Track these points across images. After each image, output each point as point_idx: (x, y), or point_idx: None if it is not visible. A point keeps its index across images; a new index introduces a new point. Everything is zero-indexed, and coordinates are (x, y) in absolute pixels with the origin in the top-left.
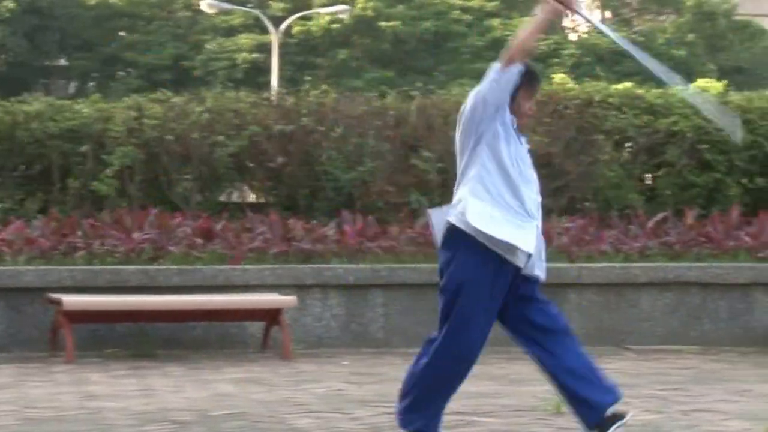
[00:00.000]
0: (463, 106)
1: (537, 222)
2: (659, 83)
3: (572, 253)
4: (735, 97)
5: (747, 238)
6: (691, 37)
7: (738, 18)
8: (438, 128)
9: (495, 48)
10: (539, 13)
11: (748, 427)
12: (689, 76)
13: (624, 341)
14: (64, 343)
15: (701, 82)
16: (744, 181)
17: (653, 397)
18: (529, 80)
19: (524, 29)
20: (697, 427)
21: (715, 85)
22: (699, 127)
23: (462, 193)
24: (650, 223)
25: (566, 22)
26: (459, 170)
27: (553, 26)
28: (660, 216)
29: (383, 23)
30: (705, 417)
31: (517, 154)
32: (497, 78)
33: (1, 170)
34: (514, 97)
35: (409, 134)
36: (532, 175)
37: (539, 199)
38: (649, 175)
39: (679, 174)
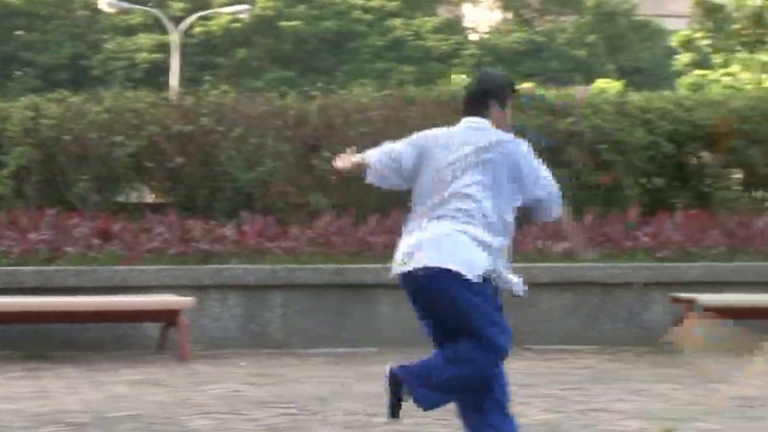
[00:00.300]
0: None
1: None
2: (560, 83)
3: None
4: (634, 97)
5: (645, 238)
6: (591, 37)
7: (638, 18)
8: (339, 128)
9: (396, 48)
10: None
11: (645, 426)
12: (589, 76)
13: (524, 341)
14: None
15: (601, 82)
16: (642, 181)
17: (552, 396)
18: (514, 93)
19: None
20: (595, 427)
21: (614, 85)
22: (598, 128)
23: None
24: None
25: (467, 22)
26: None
27: (453, 26)
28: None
29: (284, 23)
30: (602, 416)
31: None
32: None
33: None
34: (504, 109)
35: (309, 134)
36: None
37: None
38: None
39: (578, 174)
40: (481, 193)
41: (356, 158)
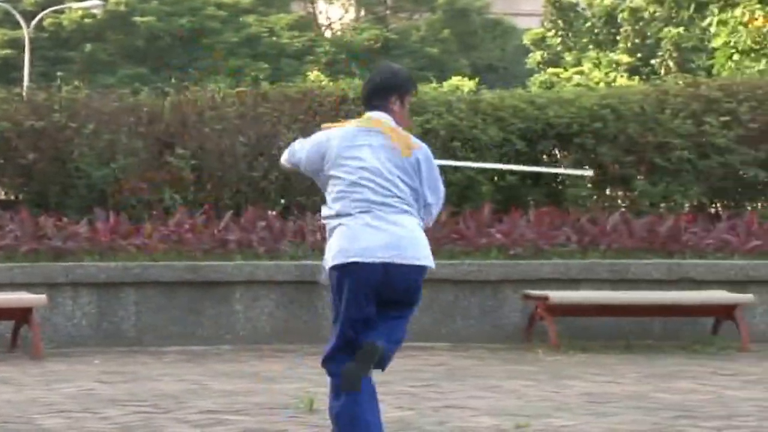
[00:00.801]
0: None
1: None
2: (418, 80)
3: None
4: (487, 95)
5: (498, 236)
6: (445, 33)
7: (490, 16)
8: (192, 125)
9: (250, 45)
10: None
11: (497, 423)
12: (443, 74)
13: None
14: None
15: (455, 79)
16: (495, 178)
17: (405, 393)
18: (415, 90)
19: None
20: (448, 423)
21: (467, 83)
22: (452, 125)
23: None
24: None
25: (321, 20)
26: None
27: (308, 23)
28: None
29: (137, 19)
30: (455, 413)
31: None
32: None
33: None
34: (404, 106)
35: (162, 131)
36: None
37: None
38: None
39: None
40: (413, 195)
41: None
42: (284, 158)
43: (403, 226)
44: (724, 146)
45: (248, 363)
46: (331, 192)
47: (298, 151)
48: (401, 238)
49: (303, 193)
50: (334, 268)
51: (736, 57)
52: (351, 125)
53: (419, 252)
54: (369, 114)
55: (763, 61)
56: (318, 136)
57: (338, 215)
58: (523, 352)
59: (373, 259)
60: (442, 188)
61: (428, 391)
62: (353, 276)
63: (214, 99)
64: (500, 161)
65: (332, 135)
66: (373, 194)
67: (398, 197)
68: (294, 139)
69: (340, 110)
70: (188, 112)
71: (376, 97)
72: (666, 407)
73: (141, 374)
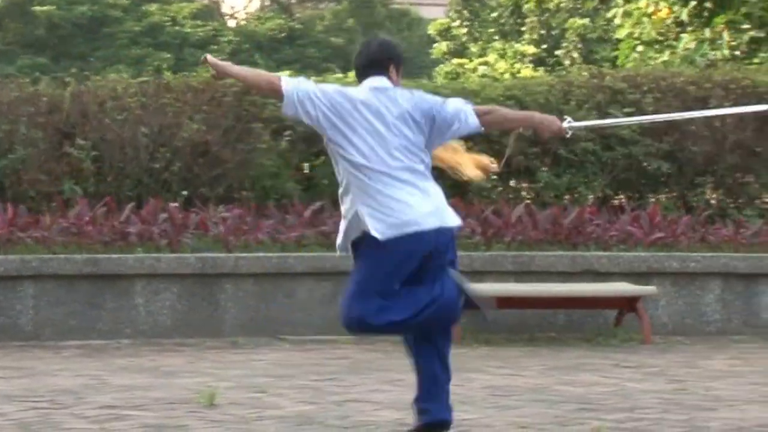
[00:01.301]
0: (429, 104)
1: None
2: (318, 71)
3: (229, 243)
4: None
5: None
6: (350, 23)
7: (396, 6)
8: (93, 115)
9: (152, 34)
10: (534, 116)
11: (399, 417)
12: (348, 64)
13: (279, 331)
14: None
15: None
16: None
17: (307, 387)
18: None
19: (514, 117)
20: (350, 418)
21: None
22: None
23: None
24: (307, 213)
25: (225, 8)
26: (398, 163)
27: (211, 12)
28: (317, 205)
29: (36, 8)
30: (357, 407)
31: None
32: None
33: None
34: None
35: (62, 121)
36: None
37: None
38: (307, 164)
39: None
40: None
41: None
42: None
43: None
44: (628, 138)
45: (148, 357)
46: None
47: None
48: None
49: (205, 185)
50: None
51: (640, 48)
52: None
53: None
54: (371, 80)
55: (667, 52)
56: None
57: None
58: None
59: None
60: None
61: (331, 384)
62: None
63: (115, 89)
64: None
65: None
66: None
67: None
68: (198, 131)
69: (244, 101)
70: (89, 102)
71: (376, 65)
72: (568, 400)
73: (38, 369)
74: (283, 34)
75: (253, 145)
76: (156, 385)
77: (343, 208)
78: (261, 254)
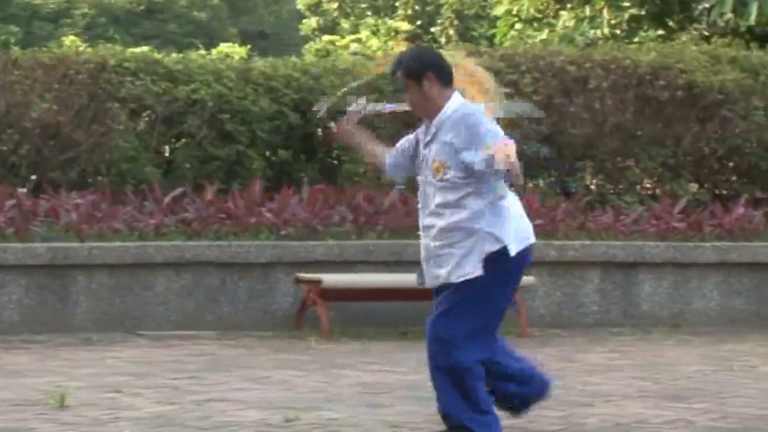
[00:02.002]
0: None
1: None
2: (179, 47)
3: (82, 232)
4: (259, 63)
5: (269, 215)
6: None
7: None
8: None
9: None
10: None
11: (265, 417)
12: (212, 41)
13: (137, 327)
14: None
15: (224, 46)
16: (267, 153)
17: (165, 386)
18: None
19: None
20: (211, 418)
21: (237, 50)
22: (220, 96)
23: None
24: (167, 199)
25: None
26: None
27: None
28: (178, 191)
29: None
30: (220, 407)
31: None
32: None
33: None
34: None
35: None
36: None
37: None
38: (168, 147)
39: (199, 146)
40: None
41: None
42: None
43: None
44: (507, 120)
45: None
46: None
47: None
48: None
49: (56, 169)
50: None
51: (518, 26)
52: None
53: None
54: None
55: (546, 30)
56: None
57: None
58: (294, 340)
59: None
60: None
61: (191, 383)
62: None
63: None
64: (273, 135)
65: None
66: None
67: None
68: (49, 110)
69: (99, 78)
70: None
71: None
72: None
73: None
74: (141, 8)
75: (109, 127)
76: (2, 385)
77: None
78: (117, 244)
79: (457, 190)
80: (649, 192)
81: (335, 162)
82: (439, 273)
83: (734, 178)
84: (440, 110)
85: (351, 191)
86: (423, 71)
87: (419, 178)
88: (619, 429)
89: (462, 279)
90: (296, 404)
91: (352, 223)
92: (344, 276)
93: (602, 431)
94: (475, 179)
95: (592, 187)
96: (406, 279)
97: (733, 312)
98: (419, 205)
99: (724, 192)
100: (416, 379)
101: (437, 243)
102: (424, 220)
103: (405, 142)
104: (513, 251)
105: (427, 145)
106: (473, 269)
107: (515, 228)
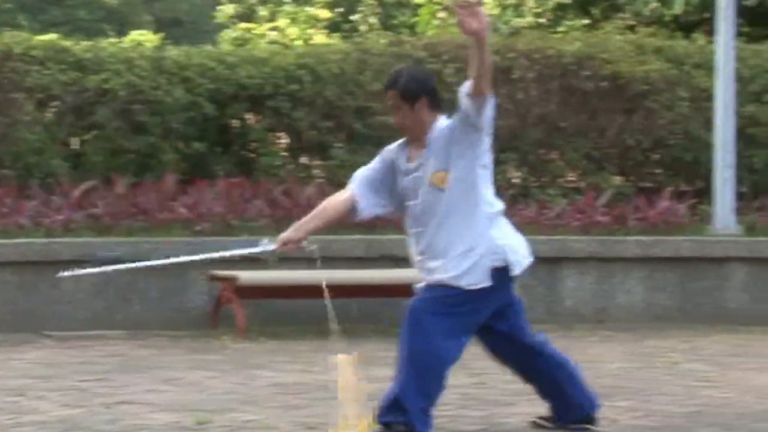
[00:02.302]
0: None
1: None
2: (89, 34)
3: None
4: (172, 52)
5: (183, 210)
6: None
7: None
8: None
9: None
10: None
11: (177, 419)
12: (123, 27)
13: (42, 327)
14: None
15: (136, 34)
16: (181, 146)
17: (73, 389)
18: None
19: (476, 60)
20: (121, 422)
21: (151, 38)
22: (132, 86)
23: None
24: (76, 193)
25: None
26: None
27: None
28: (87, 185)
29: None
30: (130, 409)
31: None
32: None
33: None
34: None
35: None
36: None
37: None
38: (77, 139)
39: (110, 137)
40: None
41: None
42: None
43: None
44: None
45: None
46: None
47: None
48: None
49: None
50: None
51: (441, 14)
52: None
53: None
54: None
55: None
56: None
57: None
58: (208, 340)
59: None
60: None
61: (100, 385)
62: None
63: None
64: (187, 127)
65: None
66: None
67: None
68: None
69: (4, 67)
70: None
71: None
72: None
73: None
74: None
75: (14, 118)
76: None
77: None
78: (22, 240)
79: (458, 200)
80: (573, 185)
81: (252, 155)
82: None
83: (659, 170)
84: (426, 133)
85: (268, 185)
86: (419, 95)
87: (410, 203)
88: (542, 428)
89: (470, 287)
90: (209, 406)
91: (269, 218)
92: (261, 273)
93: (524, 431)
94: (475, 190)
95: (515, 180)
96: (328, 275)
97: (657, 308)
98: (411, 229)
99: (649, 185)
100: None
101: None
102: (422, 241)
103: (370, 179)
104: (520, 267)
105: (418, 168)
106: (482, 279)
107: (519, 243)
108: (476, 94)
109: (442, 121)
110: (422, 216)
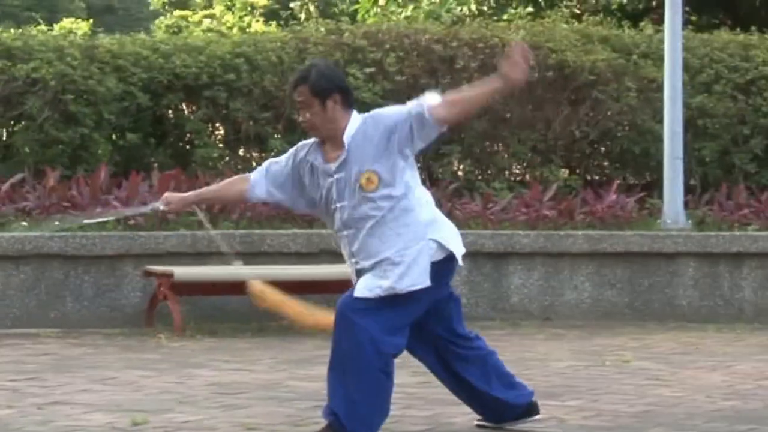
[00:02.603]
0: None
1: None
2: (18, 22)
3: None
4: (105, 40)
5: (116, 203)
6: None
7: None
8: None
9: None
10: (497, 81)
11: (112, 420)
12: (53, 15)
13: None
14: None
15: (67, 21)
16: (114, 137)
17: (3, 389)
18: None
19: (475, 92)
20: (53, 423)
21: (81, 25)
22: (63, 75)
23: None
24: (5, 186)
25: None
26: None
27: None
28: (17, 177)
29: None
30: (63, 410)
31: None
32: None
33: None
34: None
35: None
36: None
37: None
38: (5, 130)
39: (40, 128)
40: None
41: None
42: None
43: None
44: (370, 101)
45: None
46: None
47: None
48: None
49: None
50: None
51: (382, 2)
52: None
53: None
54: None
55: (411, 6)
56: None
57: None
58: (144, 338)
59: None
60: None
61: (31, 385)
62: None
63: None
64: (121, 117)
65: None
66: None
67: None
68: None
69: None
70: None
71: None
72: (302, 397)
73: None
74: None
75: None
76: None
77: None
78: None
79: (390, 199)
80: (519, 178)
81: (188, 146)
82: (381, 284)
83: (606, 163)
84: (341, 132)
85: (205, 177)
86: (330, 92)
87: (337, 205)
88: (487, 428)
89: (409, 289)
90: (146, 406)
91: (205, 212)
92: (197, 269)
93: (470, 431)
94: (405, 187)
95: (459, 173)
96: (264, 272)
97: (605, 304)
98: (341, 231)
99: (596, 177)
100: (274, 378)
101: (377, 257)
102: (354, 242)
103: (274, 172)
104: (460, 258)
105: (340, 168)
106: (421, 280)
107: (453, 232)
108: (438, 122)
109: (356, 118)
110: (351, 218)
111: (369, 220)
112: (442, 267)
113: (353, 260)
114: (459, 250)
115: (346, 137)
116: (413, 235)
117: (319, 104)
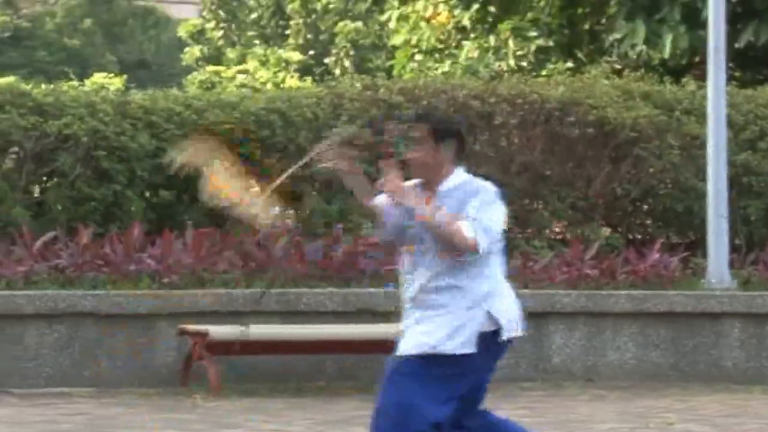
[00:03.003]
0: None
1: None
2: (50, 77)
3: None
4: (137, 95)
5: (150, 261)
6: (87, 23)
7: (140, 3)
8: None
9: None
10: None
11: None
12: (85, 70)
13: (5, 384)
14: None
15: (99, 76)
16: (147, 194)
17: None
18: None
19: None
20: None
21: (114, 81)
22: (95, 131)
23: None
24: (38, 244)
25: None
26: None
27: None
28: (49, 235)
29: None
30: None
31: None
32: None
33: None
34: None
35: None
36: None
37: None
38: (38, 187)
39: (72, 185)
40: None
41: None
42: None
43: None
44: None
45: None
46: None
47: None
48: None
49: None
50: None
51: (418, 57)
52: None
53: None
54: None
55: (448, 62)
56: None
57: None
58: (179, 398)
59: None
60: None
61: None
62: None
63: None
64: (153, 174)
65: None
66: None
67: None
68: None
69: None
70: None
71: None
72: None
73: None
74: (7, 34)
75: None
76: None
77: None
78: None
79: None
80: (559, 236)
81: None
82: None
83: (649, 221)
84: (442, 179)
85: (240, 235)
86: (450, 135)
87: (417, 248)
88: None
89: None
90: None
91: (241, 270)
92: (233, 328)
93: None
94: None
95: None
96: (300, 331)
97: (649, 365)
98: (409, 274)
99: (639, 236)
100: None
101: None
102: (420, 292)
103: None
104: (506, 332)
105: None
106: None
107: (512, 309)
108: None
109: (460, 174)
110: (422, 263)
111: (436, 270)
112: (491, 341)
113: (409, 306)
114: (509, 326)
115: (444, 187)
116: (474, 299)
117: (433, 143)
